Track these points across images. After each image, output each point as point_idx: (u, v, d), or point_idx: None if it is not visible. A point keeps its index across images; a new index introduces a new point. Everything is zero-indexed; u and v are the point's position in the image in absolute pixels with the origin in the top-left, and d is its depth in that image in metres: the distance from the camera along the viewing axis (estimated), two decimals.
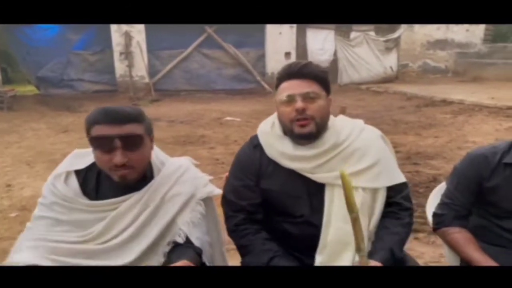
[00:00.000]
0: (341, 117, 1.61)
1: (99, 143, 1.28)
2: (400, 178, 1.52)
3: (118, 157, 1.26)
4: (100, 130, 1.27)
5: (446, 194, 1.69)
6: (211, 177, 1.55)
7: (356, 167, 1.47)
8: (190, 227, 1.41)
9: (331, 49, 12.81)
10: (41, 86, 11.82)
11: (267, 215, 1.56)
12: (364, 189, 1.46)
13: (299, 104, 1.41)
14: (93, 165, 1.42)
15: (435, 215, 1.70)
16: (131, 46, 11.66)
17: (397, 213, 1.50)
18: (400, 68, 13.78)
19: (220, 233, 1.62)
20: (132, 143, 1.29)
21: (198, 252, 1.39)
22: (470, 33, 13.96)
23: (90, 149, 1.42)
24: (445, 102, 9.09)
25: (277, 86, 1.50)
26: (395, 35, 13.24)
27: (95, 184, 1.41)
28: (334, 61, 12.92)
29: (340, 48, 12.86)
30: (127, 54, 11.67)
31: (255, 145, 1.57)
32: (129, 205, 1.37)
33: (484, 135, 6.13)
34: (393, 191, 1.50)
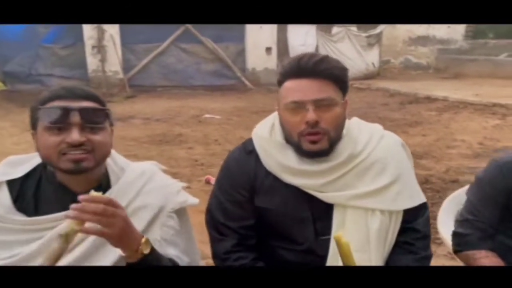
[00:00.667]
0: (355, 120, 1.30)
1: (52, 118, 1.05)
2: (421, 198, 1.25)
3: (75, 134, 1.04)
4: (56, 104, 1.07)
5: (468, 209, 1.43)
6: (183, 184, 1.28)
7: (373, 185, 1.19)
8: (163, 246, 1.15)
9: (312, 45, 12.65)
10: (8, 81, 11.31)
11: (262, 239, 1.26)
12: (382, 211, 1.17)
13: (311, 115, 1.10)
14: (31, 173, 1.16)
15: (456, 234, 1.45)
16: (104, 39, 11.21)
17: (412, 244, 1.22)
18: (381, 64, 13.75)
19: (196, 252, 1.31)
20: (93, 119, 1.08)
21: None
22: (452, 30, 14.05)
23: (27, 155, 1.21)
24: (429, 99, 9.06)
25: (280, 82, 1.19)
26: (377, 30, 13.21)
27: (33, 195, 1.12)
28: None
29: (321, 44, 12.71)
30: (100, 48, 11.21)
31: (249, 151, 1.26)
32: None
33: (472, 133, 6.08)
34: (410, 214, 1.23)
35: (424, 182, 4.04)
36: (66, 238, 0.93)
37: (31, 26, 10.98)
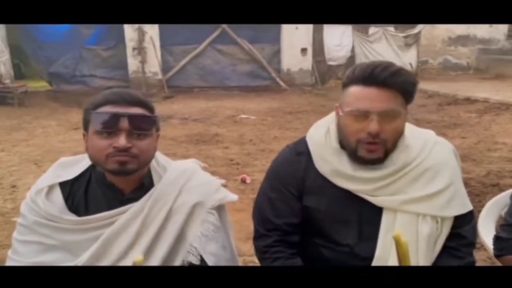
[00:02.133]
0: (408, 126, 1.29)
1: (103, 123, 1.09)
2: (469, 205, 1.25)
3: (122, 140, 1.08)
4: (106, 109, 1.11)
5: None
6: (223, 181, 1.32)
7: (426, 190, 1.20)
8: (203, 242, 1.19)
9: (348, 45, 12.51)
10: (53, 82, 11.70)
11: (306, 238, 1.30)
12: (433, 217, 1.19)
13: (374, 126, 1.11)
14: (82, 175, 1.20)
15: (498, 239, 1.43)
16: (144, 41, 11.48)
17: (458, 249, 1.23)
18: (419, 65, 13.42)
19: (234, 248, 1.36)
20: (141, 126, 1.11)
21: None
22: (494, 29, 13.54)
23: (78, 157, 1.27)
24: (468, 101, 8.77)
25: (346, 85, 1.20)
26: (415, 30, 12.91)
27: (83, 196, 1.18)
28: (352, 58, 12.58)
29: (358, 44, 12.55)
30: (140, 49, 11.49)
31: (299, 152, 1.29)
32: (127, 219, 1.14)
33: None
34: (459, 220, 1.23)
35: None
36: None
37: (75, 28, 11.33)
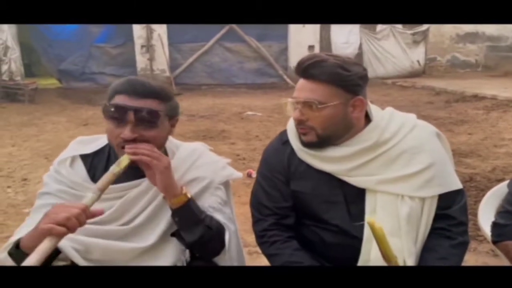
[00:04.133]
0: (388, 110, 1.34)
1: (114, 114, 1.18)
2: (456, 185, 1.26)
3: (127, 132, 1.16)
4: (118, 99, 1.19)
5: (509, 201, 1.46)
6: (228, 160, 1.44)
7: (402, 171, 1.23)
8: (210, 212, 1.29)
9: (356, 43, 12.49)
10: (63, 79, 11.84)
11: (299, 220, 1.36)
12: (411, 198, 1.22)
13: (296, 114, 1.23)
14: (101, 151, 1.31)
15: (496, 225, 1.47)
16: (152, 39, 11.58)
17: (448, 229, 1.25)
18: (427, 62, 13.37)
19: (236, 223, 1.46)
20: (146, 119, 1.17)
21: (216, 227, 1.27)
22: (502, 26, 13.41)
23: (93, 136, 1.37)
24: (476, 98, 8.74)
25: None
26: (423, 28, 12.85)
27: (103, 170, 1.25)
28: (359, 55, 12.57)
29: (365, 41, 12.54)
30: (148, 47, 11.60)
31: (284, 141, 1.38)
32: (141, 190, 1.25)
33: None
34: (445, 200, 1.25)
35: (468, 180, 3.97)
36: (119, 165, 1.13)
37: (84, 26, 11.43)
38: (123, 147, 1.17)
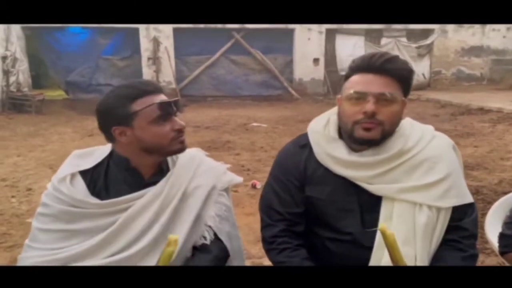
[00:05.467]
0: (408, 120, 1.34)
1: (165, 110, 1.21)
2: (469, 198, 1.26)
3: (179, 121, 1.24)
4: (150, 99, 1.21)
5: None
6: (228, 165, 1.42)
7: (423, 180, 1.23)
8: (217, 222, 1.29)
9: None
10: (70, 91, 11.93)
11: (310, 228, 1.34)
12: (430, 207, 1.21)
13: (370, 106, 1.17)
14: (99, 164, 1.28)
15: (503, 236, 1.45)
16: (159, 51, 11.68)
17: (459, 241, 1.24)
18: (432, 75, 13.39)
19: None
20: (179, 109, 1.26)
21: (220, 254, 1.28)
22: (507, 40, 13.45)
23: (91, 148, 1.34)
24: (482, 110, 8.73)
25: (347, 77, 1.27)
26: (428, 41, 12.90)
27: (104, 182, 1.25)
28: None
29: None
30: (155, 59, 11.69)
31: (302, 144, 1.36)
32: (146, 202, 1.22)
33: None
34: (458, 212, 1.25)
35: (474, 193, 3.93)
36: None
37: (92, 38, 11.57)
38: (175, 138, 1.22)
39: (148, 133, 1.21)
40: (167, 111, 1.21)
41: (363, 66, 1.21)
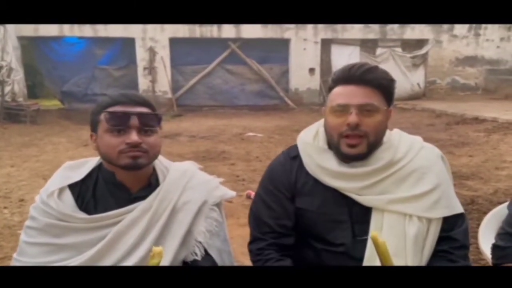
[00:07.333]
0: (397, 131, 1.35)
1: (115, 121, 1.17)
2: (459, 208, 1.26)
3: (134, 136, 1.16)
4: (116, 109, 1.18)
5: (509, 223, 1.42)
6: (221, 179, 1.39)
7: (412, 191, 1.22)
8: (207, 237, 1.26)
9: None
10: (65, 101, 11.92)
11: (301, 239, 1.33)
12: (420, 218, 1.21)
13: (353, 117, 1.17)
14: (88, 176, 1.25)
15: (496, 247, 1.44)
16: (155, 61, 11.72)
17: (450, 252, 1.23)
18: (427, 85, 13.47)
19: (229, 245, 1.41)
20: (149, 123, 1.19)
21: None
22: (501, 50, 13.58)
23: (83, 160, 1.32)
24: (477, 120, 8.77)
25: (330, 89, 1.27)
26: (423, 51, 13.00)
27: (92, 196, 1.23)
28: None
29: None
30: (151, 69, 11.73)
31: (293, 156, 1.35)
32: (135, 216, 1.20)
33: None
34: (449, 223, 1.24)
35: (469, 203, 3.92)
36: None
37: (88, 48, 11.59)
38: (124, 152, 1.16)
39: (101, 142, 1.20)
40: (117, 122, 1.17)
41: (344, 77, 1.21)
